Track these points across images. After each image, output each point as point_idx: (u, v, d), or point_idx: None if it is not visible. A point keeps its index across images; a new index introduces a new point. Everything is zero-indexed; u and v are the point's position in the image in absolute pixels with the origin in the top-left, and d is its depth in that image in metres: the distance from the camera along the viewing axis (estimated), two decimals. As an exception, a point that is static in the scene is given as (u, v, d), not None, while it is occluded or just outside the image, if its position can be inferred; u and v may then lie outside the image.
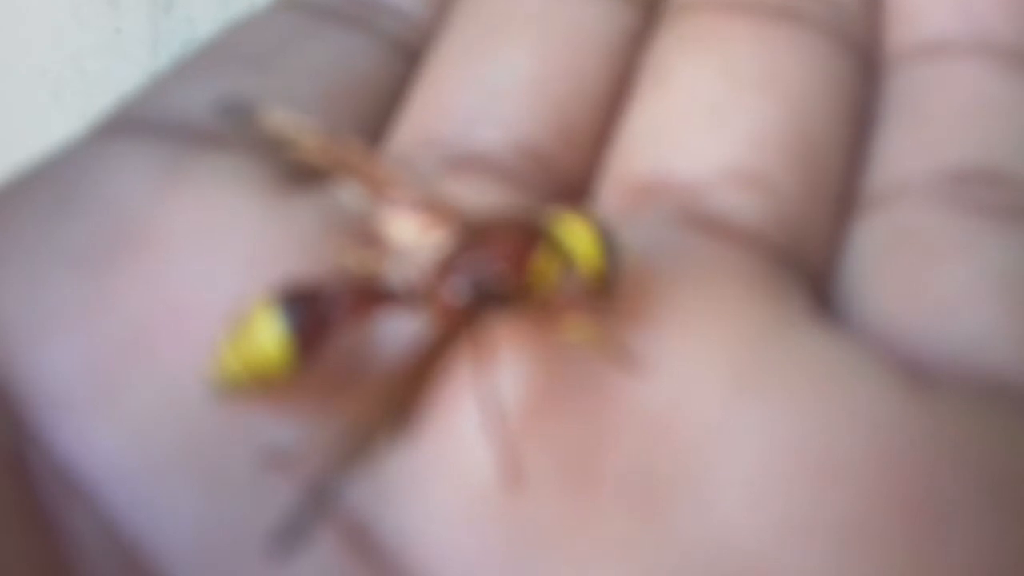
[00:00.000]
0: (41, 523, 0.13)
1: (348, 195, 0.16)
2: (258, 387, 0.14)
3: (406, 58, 0.19)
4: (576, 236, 0.14)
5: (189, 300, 0.15)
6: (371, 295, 0.14)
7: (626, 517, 0.13)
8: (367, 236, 0.16)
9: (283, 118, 0.16)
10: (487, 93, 0.17)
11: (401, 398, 0.13)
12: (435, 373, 0.13)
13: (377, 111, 0.18)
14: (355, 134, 0.17)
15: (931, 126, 0.17)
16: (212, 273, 0.15)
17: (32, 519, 0.13)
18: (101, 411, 0.14)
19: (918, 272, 0.16)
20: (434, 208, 0.15)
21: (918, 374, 0.14)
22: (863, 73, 0.18)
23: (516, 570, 0.13)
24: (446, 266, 0.14)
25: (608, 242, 0.14)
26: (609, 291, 0.14)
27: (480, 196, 0.16)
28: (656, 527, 0.13)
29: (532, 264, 0.14)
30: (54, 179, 0.16)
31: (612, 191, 0.17)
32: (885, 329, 0.15)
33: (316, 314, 0.14)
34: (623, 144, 0.17)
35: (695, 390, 0.14)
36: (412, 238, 0.15)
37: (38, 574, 0.13)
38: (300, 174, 0.16)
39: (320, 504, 0.12)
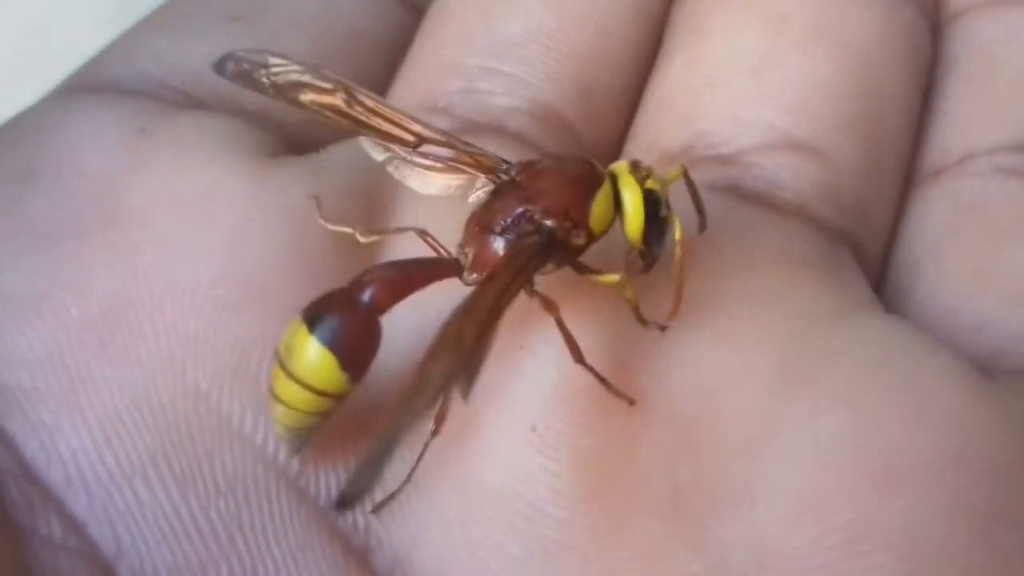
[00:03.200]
0: (7, 524, 0.12)
1: (353, 153, 0.15)
2: (322, 423, 0.13)
3: (408, 8, 0.17)
4: (631, 192, 0.13)
5: (167, 280, 0.13)
6: (406, 277, 0.13)
7: (653, 526, 0.12)
8: (364, 202, 0.15)
9: (298, 70, 0.15)
10: (497, 50, 0.16)
11: (473, 346, 0.12)
12: (498, 322, 0.12)
13: (374, 66, 0.17)
14: None
15: (997, 87, 0.16)
16: (192, 249, 0.14)
17: (0, 524, 0.12)
18: (71, 405, 0.13)
19: (982, 252, 0.15)
20: (461, 156, 0.14)
21: (982, 365, 0.13)
22: (927, 26, 0.16)
23: None
24: (489, 221, 0.13)
25: (655, 208, 0.13)
26: (650, 257, 0.13)
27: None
28: (686, 537, 0.12)
29: (592, 207, 0.13)
30: (14, 148, 0.15)
31: (641, 158, 0.15)
32: (946, 314, 0.14)
33: (356, 324, 0.13)
34: (653, 107, 0.16)
35: (736, 384, 0.13)
36: (437, 190, 0.14)
37: None
38: (287, 141, 0.15)
39: (390, 449, 0.11)
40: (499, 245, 0.13)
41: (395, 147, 0.14)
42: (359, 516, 0.13)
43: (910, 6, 0.16)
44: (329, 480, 0.13)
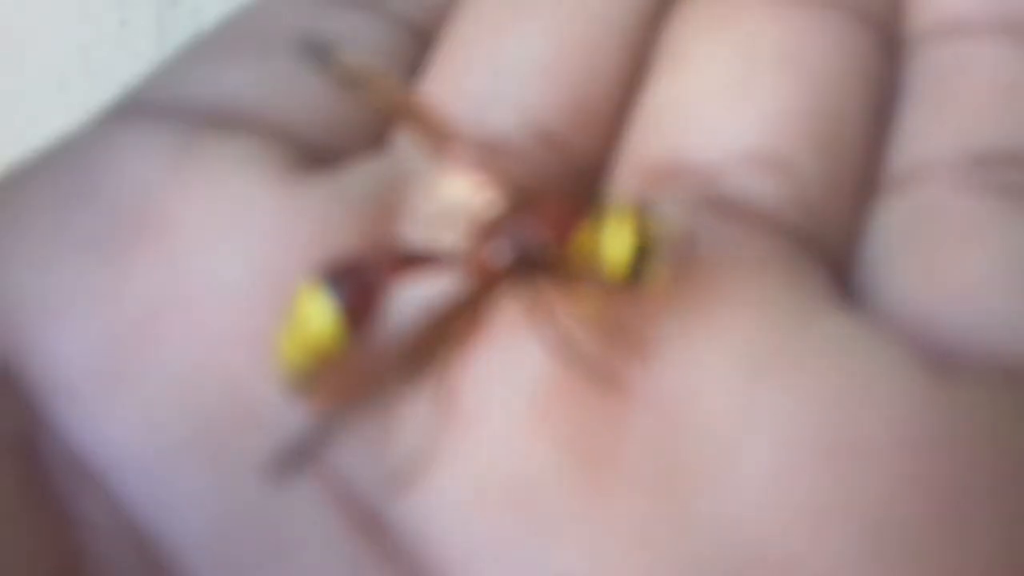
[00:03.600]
0: (53, 511, 0.13)
1: (376, 166, 0.16)
2: (321, 368, 0.14)
3: (418, 39, 0.18)
4: (617, 233, 0.14)
5: (201, 287, 0.14)
6: (411, 260, 0.14)
7: (641, 504, 0.13)
8: (390, 215, 0.15)
9: (362, 60, 0.15)
10: (500, 74, 0.17)
11: (416, 350, 0.13)
12: (461, 331, 0.13)
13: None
14: (367, 117, 0.17)
15: (954, 107, 0.17)
16: (225, 259, 0.15)
17: (44, 507, 0.13)
18: (112, 397, 0.14)
19: (940, 256, 0.15)
20: (490, 169, 0.15)
21: (940, 360, 0.14)
22: (885, 52, 0.17)
23: (529, 557, 0.13)
24: (492, 228, 0.14)
25: (644, 252, 0.14)
26: (630, 291, 0.14)
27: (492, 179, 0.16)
28: (671, 514, 0.13)
29: (575, 237, 0.14)
30: (64, 165, 0.16)
31: (628, 174, 0.16)
32: (907, 314, 0.15)
33: (360, 285, 0.14)
34: (639, 126, 0.17)
35: (714, 376, 0.14)
36: (464, 197, 0.15)
37: (50, 562, 0.13)
38: (315, 157, 0.16)
39: (323, 436, 0.12)
40: (485, 255, 0.14)
41: (437, 151, 0.15)
42: (372, 498, 0.14)
43: (867, 34, 0.17)
44: (346, 463, 0.14)
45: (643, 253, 0.14)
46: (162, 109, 0.16)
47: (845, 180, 0.16)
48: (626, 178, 0.16)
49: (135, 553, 0.13)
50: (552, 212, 0.14)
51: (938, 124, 0.17)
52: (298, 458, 0.12)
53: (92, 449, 0.14)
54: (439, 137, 0.15)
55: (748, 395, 0.14)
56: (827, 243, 0.16)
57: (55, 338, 0.14)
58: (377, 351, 0.14)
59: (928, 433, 0.13)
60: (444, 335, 0.13)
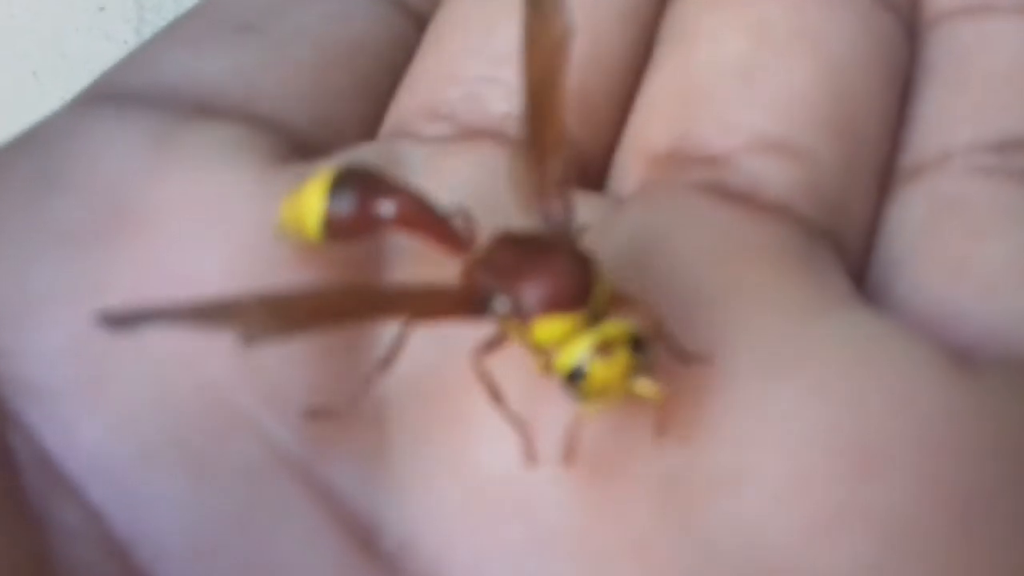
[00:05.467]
0: (26, 515, 0.13)
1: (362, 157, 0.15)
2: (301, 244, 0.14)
3: (412, 20, 0.18)
4: (576, 346, 0.13)
5: (181, 281, 0.14)
6: (425, 219, 0.14)
7: (645, 513, 0.13)
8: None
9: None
10: (496, 59, 0.16)
11: (291, 318, 0.12)
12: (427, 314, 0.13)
13: (380, 77, 0.17)
14: (356, 103, 0.17)
15: (974, 91, 0.16)
16: (206, 252, 0.14)
17: (17, 511, 0.13)
18: (88, 397, 0.13)
19: (961, 247, 0.15)
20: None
21: (961, 355, 0.14)
22: (903, 31, 0.17)
23: (528, 567, 0.13)
24: (512, 257, 0.13)
25: (589, 379, 0.13)
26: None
27: (488, 166, 0.15)
28: (678, 523, 0.13)
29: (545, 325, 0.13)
30: (38, 154, 0.15)
31: (632, 162, 0.16)
32: (926, 307, 0.15)
33: (361, 211, 0.14)
34: (643, 111, 0.16)
35: (723, 378, 0.13)
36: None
37: (23, 568, 0.12)
38: (303, 147, 0.16)
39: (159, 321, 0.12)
40: (470, 278, 0.13)
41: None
42: (366, 503, 0.13)
43: (886, 14, 0.17)
44: (336, 468, 0.13)
45: (583, 376, 0.12)
46: (140, 96, 0.16)
47: (862, 167, 0.16)
48: (629, 166, 0.16)
49: (111, 560, 0.13)
50: (560, 280, 0.13)
51: (957, 108, 0.16)
52: (130, 319, 0.11)
53: (66, 453, 0.13)
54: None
55: (760, 393, 0.13)
56: (842, 233, 0.15)
57: (29, 336, 0.14)
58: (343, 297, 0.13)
59: (949, 435, 0.13)
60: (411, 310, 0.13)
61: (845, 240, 0.15)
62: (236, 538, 0.13)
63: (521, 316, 0.13)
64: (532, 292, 0.13)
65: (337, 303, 0.13)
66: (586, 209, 0.14)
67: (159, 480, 0.13)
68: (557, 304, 0.13)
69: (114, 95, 0.16)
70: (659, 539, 0.13)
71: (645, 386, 0.12)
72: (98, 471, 0.13)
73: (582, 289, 0.13)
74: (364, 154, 0.15)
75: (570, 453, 0.13)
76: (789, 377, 0.13)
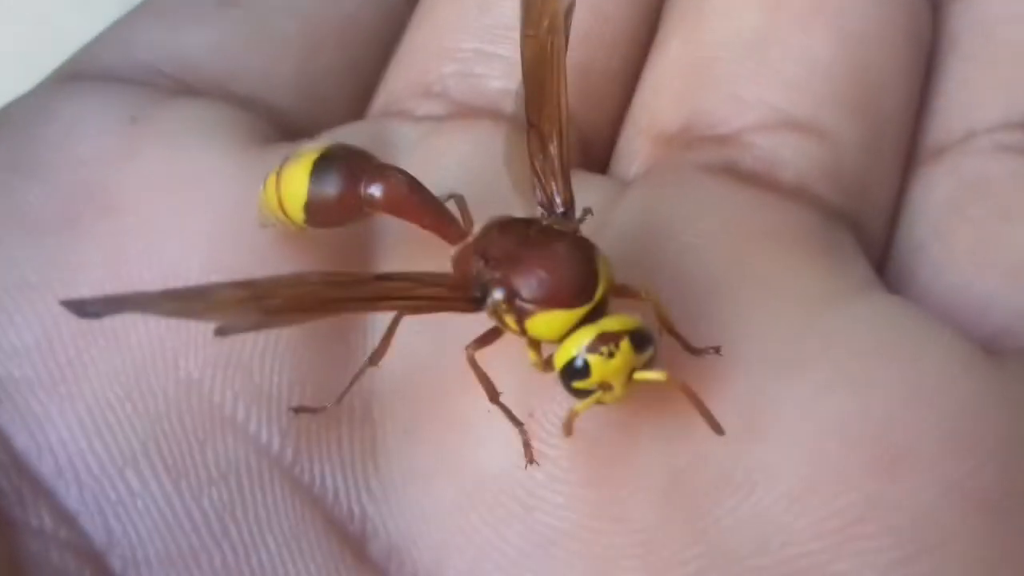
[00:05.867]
0: None
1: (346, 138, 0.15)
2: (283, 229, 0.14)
3: None
4: (576, 341, 0.12)
5: (157, 267, 0.13)
6: (414, 202, 0.13)
7: (649, 513, 0.12)
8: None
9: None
10: (492, 33, 0.16)
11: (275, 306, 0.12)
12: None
13: (369, 54, 0.17)
14: (344, 81, 0.16)
15: (1000, 66, 0.16)
16: (182, 237, 0.14)
17: None
18: (60, 394, 0.13)
19: (987, 231, 0.14)
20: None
21: (986, 344, 0.13)
22: (925, 4, 0.16)
23: (528, 570, 0.13)
24: (500, 249, 0.13)
25: (587, 374, 0.12)
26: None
27: (485, 146, 0.15)
28: (685, 522, 0.12)
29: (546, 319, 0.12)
30: (7, 136, 0.15)
31: (638, 141, 0.15)
32: (949, 294, 0.14)
33: (345, 194, 0.13)
34: (650, 88, 0.16)
35: (735, 369, 0.13)
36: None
37: None
38: (287, 126, 0.15)
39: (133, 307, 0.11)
40: (463, 267, 0.13)
41: None
42: (355, 505, 0.13)
43: None
44: (323, 468, 0.13)
45: (583, 372, 0.12)
46: (113, 74, 0.15)
47: (884, 147, 0.15)
48: (636, 147, 0.15)
49: (85, 565, 0.12)
50: (561, 274, 0.12)
51: (984, 83, 0.16)
52: (102, 305, 0.11)
53: (37, 453, 0.13)
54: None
55: (774, 389, 0.12)
56: (863, 216, 0.15)
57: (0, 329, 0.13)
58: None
59: (976, 427, 0.12)
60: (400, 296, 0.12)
61: (865, 223, 0.15)
62: (217, 542, 0.13)
63: (519, 310, 0.12)
64: (531, 286, 0.12)
65: (320, 292, 0.12)
66: (589, 192, 0.14)
67: (135, 481, 0.13)
68: (557, 299, 0.12)
69: (87, 73, 0.15)
70: (664, 540, 0.12)
71: (649, 376, 0.12)
72: (71, 472, 0.13)
73: (583, 283, 0.12)
74: (352, 134, 0.15)
75: (568, 429, 0.12)
76: (803, 369, 0.13)
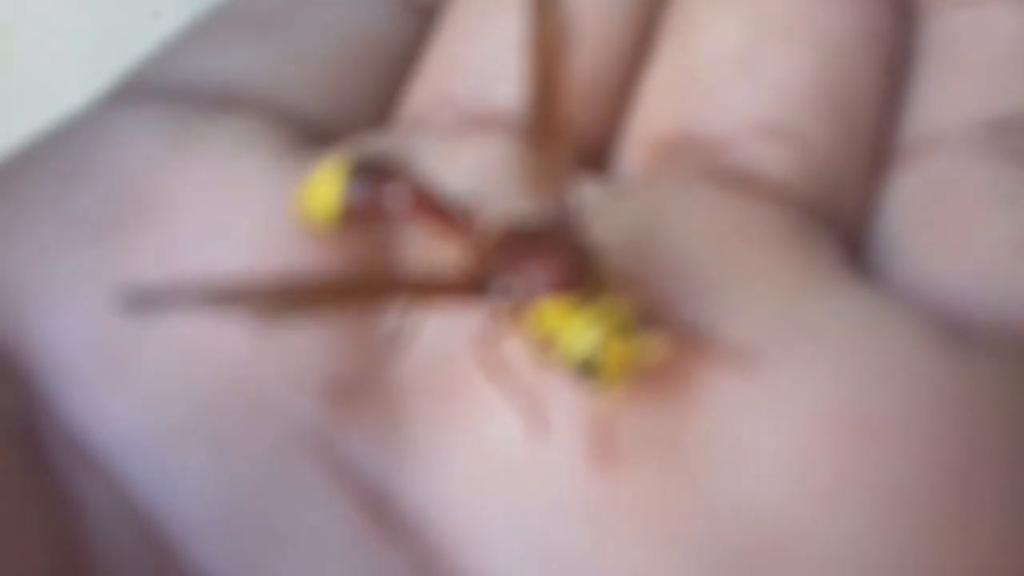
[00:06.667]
0: (54, 495, 0.13)
1: (403, 134, 0.16)
2: (315, 230, 0.15)
3: (421, 15, 0.18)
4: (583, 332, 0.13)
5: (201, 269, 0.14)
6: (432, 207, 0.14)
7: (651, 482, 0.13)
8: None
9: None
10: (504, 49, 0.16)
11: (306, 301, 0.13)
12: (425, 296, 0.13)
13: (393, 71, 0.17)
14: (371, 95, 0.17)
15: (969, 74, 0.16)
16: (225, 239, 0.14)
17: (45, 492, 0.13)
18: (114, 379, 0.14)
19: (956, 226, 0.15)
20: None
21: (956, 332, 0.14)
22: (898, 19, 0.17)
23: (538, 537, 0.13)
24: (505, 249, 0.14)
25: (597, 366, 0.13)
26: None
27: (496, 155, 0.15)
28: (684, 492, 0.13)
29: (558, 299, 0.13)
30: (63, 147, 0.16)
31: (634, 147, 0.16)
32: (922, 285, 0.15)
33: (373, 197, 0.14)
34: (645, 98, 0.16)
35: (719, 355, 0.13)
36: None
37: (50, 548, 0.13)
38: (319, 136, 0.16)
39: (175, 304, 0.12)
40: (476, 264, 0.14)
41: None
42: (382, 481, 0.14)
43: (882, 3, 0.17)
44: (355, 446, 0.14)
45: (594, 366, 0.13)
46: (161, 91, 0.16)
47: (859, 149, 0.16)
48: (631, 152, 0.16)
49: (138, 537, 0.13)
50: (560, 264, 0.13)
51: (953, 90, 0.16)
52: (150, 300, 0.12)
53: (93, 432, 0.14)
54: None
55: (757, 370, 0.13)
56: (840, 214, 0.15)
57: (55, 320, 0.14)
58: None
59: (943, 407, 0.13)
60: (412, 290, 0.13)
61: (842, 220, 0.15)
62: (260, 514, 0.13)
63: (519, 298, 0.13)
64: (534, 278, 0.13)
65: (346, 288, 0.13)
66: (590, 194, 0.15)
67: (185, 458, 0.13)
68: (554, 285, 0.13)
69: (137, 91, 0.16)
70: (664, 510, 0.13)
71: (653, 351, 0.13)
72: (125, 450, 0.13)
73: (579, 270, 0.13)
74: (378, 144, 0.16)
75: (597, 447, 0.13)
76: (785, 354, 0.13)
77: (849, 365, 0.13)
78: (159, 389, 0.14)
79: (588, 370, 0.13)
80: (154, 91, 0.16)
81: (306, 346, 0.14)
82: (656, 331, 0.13)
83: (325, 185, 0.14)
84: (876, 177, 0.16)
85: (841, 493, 0.13)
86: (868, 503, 0.13)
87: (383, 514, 0.14)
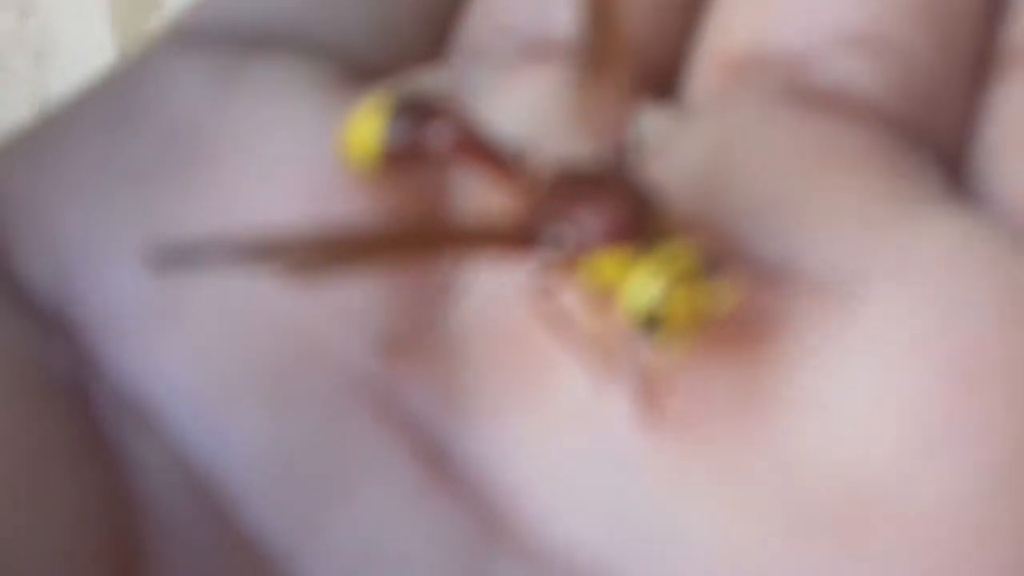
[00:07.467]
0: (105, 454, 0.13)
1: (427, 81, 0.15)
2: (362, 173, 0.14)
3: None
4: (646, 283, 0.12)
5: (252, 210, 0.14)
6: (478, 148, 0.13)
7: (728, 435, 0.12)
8: None
9: None
10: None
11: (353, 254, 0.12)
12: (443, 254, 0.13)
13: (446, 2, 0.17)
14: (424, 29, 0.16)
15: None
16: (272, 184, 0.14)
17: (96, 450, 0.13)
18: (165, 333, 0.14)
19: None
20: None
21: None
22: None
23: (610, 501, 0.13)
24: (558, 197, 0.13)
25: (661, 318, 0.12)
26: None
27: (553, 88, 0.15)
28: (763, 447, 0.12)
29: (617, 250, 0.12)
30: (109, 97, 0.15)
31: (707, 69, 0.15)
32: None
33: (415, 137, 0.14)
34: (718, 14, 0.15)
35: (801, 294, 0.13)
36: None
37: (104, 506, 0.13)
38: (367, 73, 0.15)
39: (218, 256, 0.12)
40: (528, 212, 0.13)
41: None
42: (439, 433, 0.13)
43: None
44: (411, 398, 0.13)
45: (660, 319, 0.12)
46: (203, 35, 0.16)
47: (958, 59, 0.15)
48: (704, 74, 0.15)
49: (190, 493, 0.13)
50: (617, 211, 0.12)
51: None
52: (184, 256, 0.12)
53: (144, 388, 0.13)
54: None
55: (848, 308, 0.12)
56: (937, 133, 0.14)
57: (105, 276, 0.14)
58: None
59: None
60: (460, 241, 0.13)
61: (940, 138, 0.14)
62: (316, 469, 0.13)
63: (572, 249, 0.12)
64: (582, 223, 0.12)
65: (390, 240, 0.13)
66: (655, 123, 0.14)
67: (239, 412, 0.13)
68: (608, 236, 0.12)
69: (180, 37, 0.16)
70: (741, 466, 0.12)
71: (724, 298, 0.12)
72: (176, 406, 0.13)
73: (636, 219, 0.12)
74: (429, 79, 0.15)
75: (654, 407, 0.12)
76: (881, 287, 0.12)
77: (948, 300, 0.12)
78: (210, 342, 0.14)
79: (653, 324, 0.12)
80: (198, 36, 0.16)
81: (359, 296, 0.14)
82: (729, 275, 0.12)
83: (366, 124, 0.14)
84: (977, 90, 0.15)
85: (941, 449, 0.12)
86: (975, 459, 0.12)
87: (443, 467, 0.13)
